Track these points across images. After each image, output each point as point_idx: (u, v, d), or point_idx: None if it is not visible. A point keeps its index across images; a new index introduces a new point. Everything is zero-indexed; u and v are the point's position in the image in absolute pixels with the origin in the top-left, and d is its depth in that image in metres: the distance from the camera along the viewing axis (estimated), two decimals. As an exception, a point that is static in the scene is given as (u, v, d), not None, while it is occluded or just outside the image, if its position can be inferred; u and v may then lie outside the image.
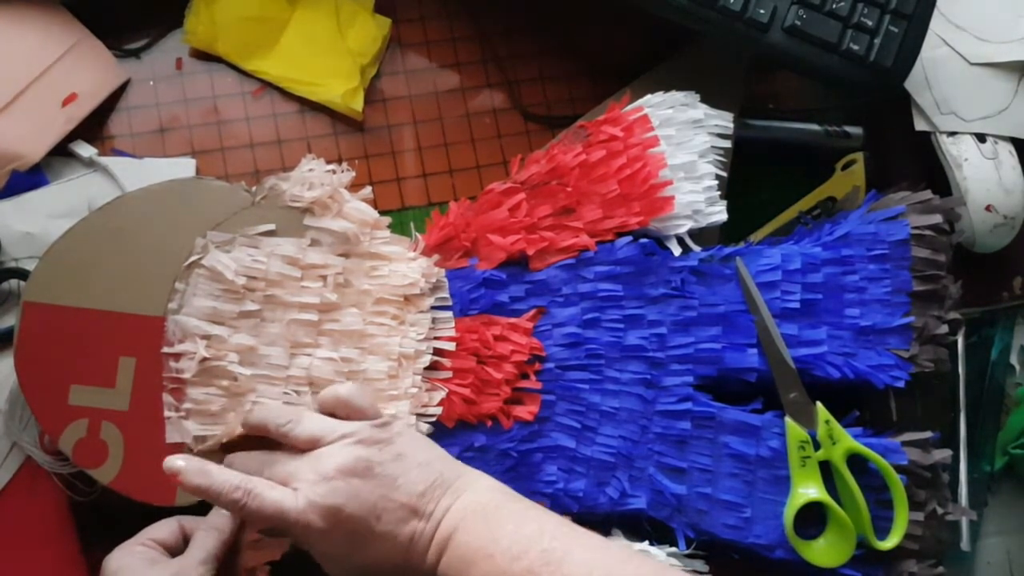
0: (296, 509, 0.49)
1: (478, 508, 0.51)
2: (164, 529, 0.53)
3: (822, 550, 0.60)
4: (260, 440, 0.56)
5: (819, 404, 0.61)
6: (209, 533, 0.52)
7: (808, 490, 0.60)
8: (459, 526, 0.50)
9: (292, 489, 0.50)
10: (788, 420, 0.61)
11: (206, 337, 0.57)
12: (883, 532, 0.61)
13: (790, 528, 0.60)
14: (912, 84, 0.71)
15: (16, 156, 0.63)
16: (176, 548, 0.52)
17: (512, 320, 0.61)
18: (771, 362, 0.62)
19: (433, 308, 0.61)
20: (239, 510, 0.49)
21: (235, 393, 0.57)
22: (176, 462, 0.50)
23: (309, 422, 0.52)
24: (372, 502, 0.49)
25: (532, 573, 0.47)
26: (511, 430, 0.60)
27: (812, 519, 0.61)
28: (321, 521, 0.49)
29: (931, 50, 0.72)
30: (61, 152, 0.65)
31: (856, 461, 0.61)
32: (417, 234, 0.63)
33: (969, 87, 0.73)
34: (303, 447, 0.52)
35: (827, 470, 0.61)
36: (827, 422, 0.61)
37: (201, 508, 0.56)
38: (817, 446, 0.61)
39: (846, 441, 0.61)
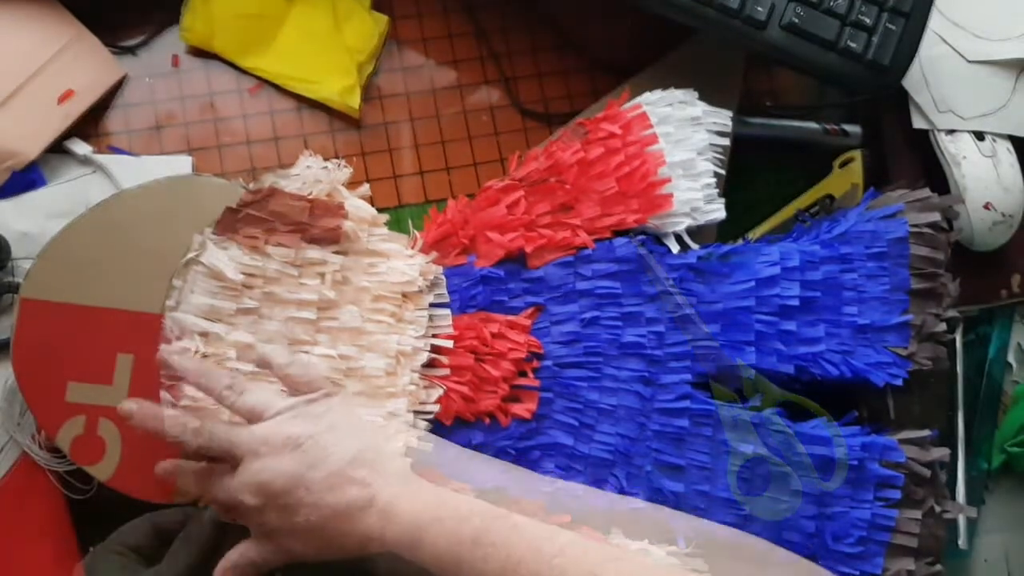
0: (232, 489, 0.51)
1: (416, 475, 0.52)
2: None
3: (768, 503, 0.60)
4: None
5: (738, 360, 0.61)
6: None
7: (745, 447, 0.60)
8: (400, 493, 0.50)
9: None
10: (712, 383, 0.61)
11: (204, 334, 0.57)
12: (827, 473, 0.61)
13: (734, 486, 0.60)
14: (910, 82, 0.71)
15: (12, 154, 0.63)
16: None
17: (510, 318, 0.61)
18: (690, 337, 0.62)
19: (431, 305, 0.61)
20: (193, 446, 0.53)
21: (233, 391, 0.57)
22: (129, 405, 0.53)
23: (251, 395, 0.54)
24: (300, 474, 0.50)
25: (485, 530, 0.48)
26: (509, 428, 0.60)
27: (758, 474, 0.61)
28: (253, 498, 0.50)
29: (929, 48, 0.72)
30: (57, 150, 0.65)
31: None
32: (415, 231, 0.63)
33: (967, 85, 0.73)
34: (243, 417, 0.53)
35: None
36: (749, 377, 0.61)
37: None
38: (745, 402, 0.61)
39: (772, 392, 0.61)
